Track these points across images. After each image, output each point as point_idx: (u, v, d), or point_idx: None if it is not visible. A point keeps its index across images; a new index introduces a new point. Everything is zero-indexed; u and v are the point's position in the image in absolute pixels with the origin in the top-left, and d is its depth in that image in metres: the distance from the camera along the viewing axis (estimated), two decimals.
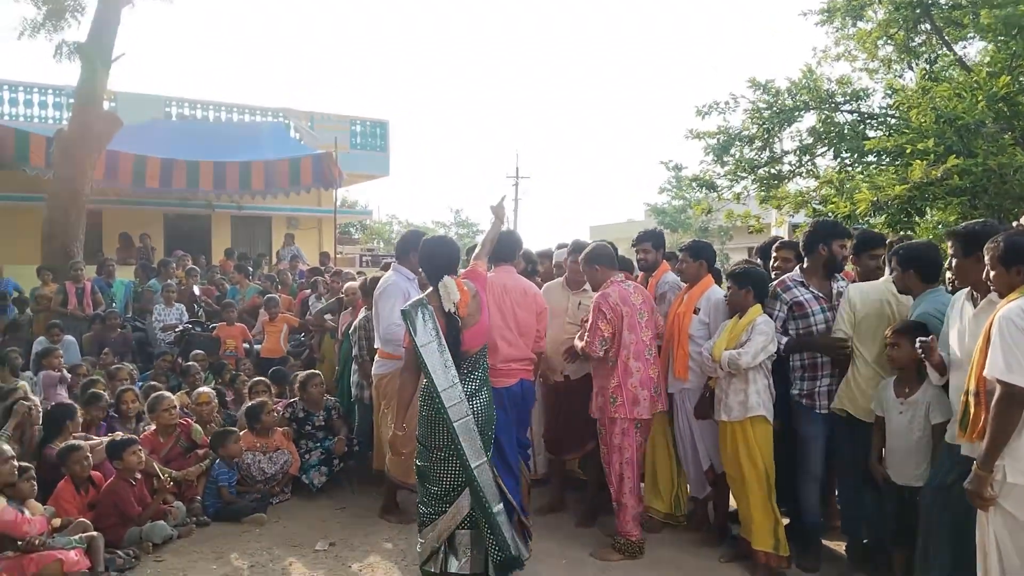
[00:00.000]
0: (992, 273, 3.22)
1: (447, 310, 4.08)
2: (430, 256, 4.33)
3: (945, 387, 3.72)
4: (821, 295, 4.62)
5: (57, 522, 4.74)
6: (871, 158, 10.18)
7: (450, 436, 3.95)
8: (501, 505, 3.99)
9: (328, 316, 8.20)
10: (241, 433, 6.14)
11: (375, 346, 5.65)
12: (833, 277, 4.69)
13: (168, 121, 17.21)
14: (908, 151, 8.38)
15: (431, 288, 4.24)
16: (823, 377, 4.57)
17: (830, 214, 9.06)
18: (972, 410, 3.19)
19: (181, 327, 9.39)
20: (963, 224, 3.67)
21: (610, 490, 4.91)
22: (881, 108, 11.10)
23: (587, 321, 4.93)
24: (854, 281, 4.74)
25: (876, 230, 7.99)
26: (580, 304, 5.40)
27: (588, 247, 5.10)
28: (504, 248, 4.96)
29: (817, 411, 4.57)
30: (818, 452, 4.63)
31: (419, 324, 4.05)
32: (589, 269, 5.00)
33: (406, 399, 4.33)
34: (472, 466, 3.93)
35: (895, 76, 11.26)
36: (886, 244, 5.02)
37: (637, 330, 4.81)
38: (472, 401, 4.05)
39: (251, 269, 12.69)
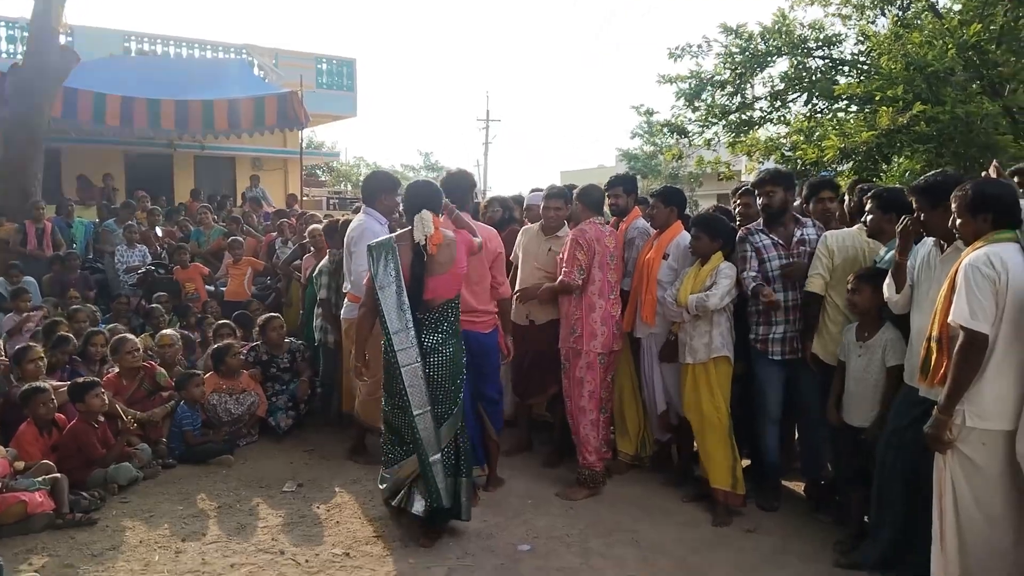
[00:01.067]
0: (959, 221, 3.25)
1: (417, 241, 4.03)
2: (413, 193, 4.26)
3: (905, 332, 3.78)
4: (780, 242, 4.65)
5: (20, 464, 4.70)
6: (841, 104, 10.20)
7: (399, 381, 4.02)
8: (439, 456, 4.07)
9: (296, 263, 8.10)
10: (207, 376, 6.10)
11: (344, 289, 5.60)
12: (798, 223, 4.71)
13: (127, 57, 16.70)
14: (877, 97, 8.41)
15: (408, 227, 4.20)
16: (776, 324, 4.63)
17: (799, 160, 9.11)
18: (934, 356, 3.25)
19: (144, 269, 9.24)
20: (923, 178, 3.68)
21: (570, 425, 5.00)
22: (853, 54, 11.10)
23: (562, 259, 4.98)
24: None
25: (842, 177, 8.06)
26: (550, 250, 5.35)
27: (587, 187, 5.22)
28: (455, 192, 4.80)
29: (770, 356, 4.65)
30: (774, 395, 4.72)
31: (380, 266, 4.06)
32: (576, 204, 5.14)
33: (363, 334, 4.39)
34: (413, 413, 4.01)
35: (868, 22, 11.22)
36: (836, 188, 5.12)
37: (606, 270, 4.96)
38: (434, 355, 4.09)
39: (216, 210, 12.47)
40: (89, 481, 4.92)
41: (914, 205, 3.63)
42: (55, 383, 5.42)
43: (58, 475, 4.62)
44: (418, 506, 4.14)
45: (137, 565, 3.99)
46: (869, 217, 4.22)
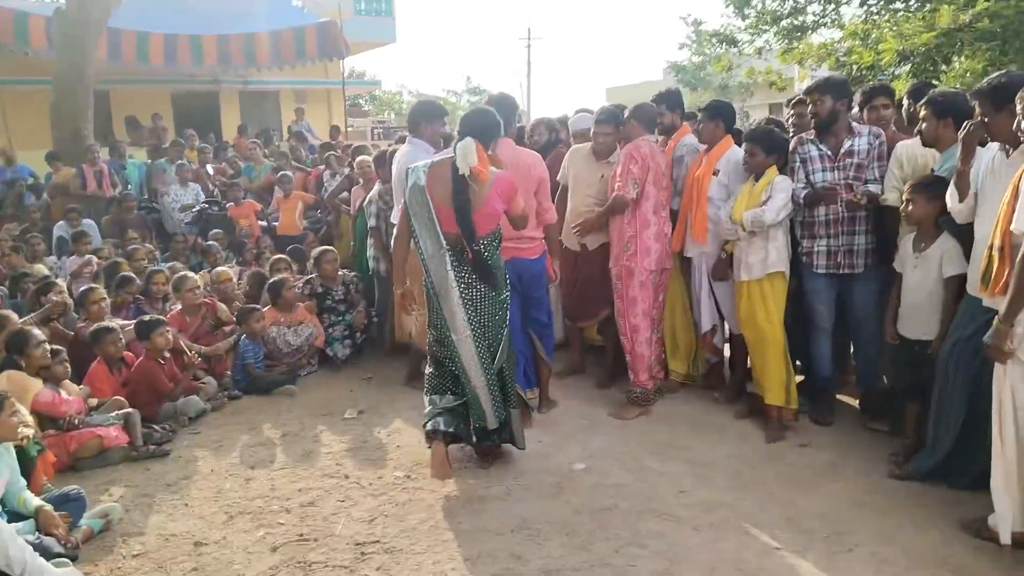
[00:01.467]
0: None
1: (461, 172, 3.83)
2: (465, 121, 4.14)
3: (967, 241, 3.68)
4: (828, 153, 4.52)
5: (93, 402, 4.92)
6: (898, 4, 9.73)
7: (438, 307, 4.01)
8: (484, 380, 4.04)
9: (343, 195, 8.15)
10: (265, 310, 6.25)
11: (392, 220, 5.63)
12: (851, 132, 4.54)
13: None
14: None
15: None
16: (820, 238, 4.55)
17: (854, 66, 8.77)
18: (996, 265, 3.16)
19: (198, 207, 9.41)
20: (987, 80, 3.50)
21: (623, 343, 5.02)
22: None
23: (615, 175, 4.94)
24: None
25: (900, 81, 7.74)
26: (602, 177, 5.25)
27: (640, 105, 5.15)
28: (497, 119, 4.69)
29: (815, 269, 4.59)
30: (823, 308, 4.66)
31: (414, 190, 3.98)
32: (628, 123, 5.06)
33: (398, 259, 4.37)
34: (452, 339, 3.99)
35: None
36: (891, 94, 4.90)
37: (659, 187, 4.93)
38: (474, 286, 3.99)
39: (263, 144, 12.55)
40: (160, 415, 5.14)
41: (977, 109, 3.49)
42: (121, 322, 5.62)
43: (130, 410, 4.83)
44: (443, 425, 4.09)
45: (210, 493, 4.19)
46: (923, 125, 4.05)
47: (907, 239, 4.07)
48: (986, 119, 3.43)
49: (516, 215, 4.12)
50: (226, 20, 14.56)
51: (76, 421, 4.53)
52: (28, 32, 12.31)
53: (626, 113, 5.18)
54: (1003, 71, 3.53)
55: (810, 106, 4.62)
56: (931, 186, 3.87)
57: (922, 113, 4.07)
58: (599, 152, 5.28)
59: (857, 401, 4.99)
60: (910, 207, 3.94)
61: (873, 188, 4.40)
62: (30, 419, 4.07)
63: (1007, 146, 3.38)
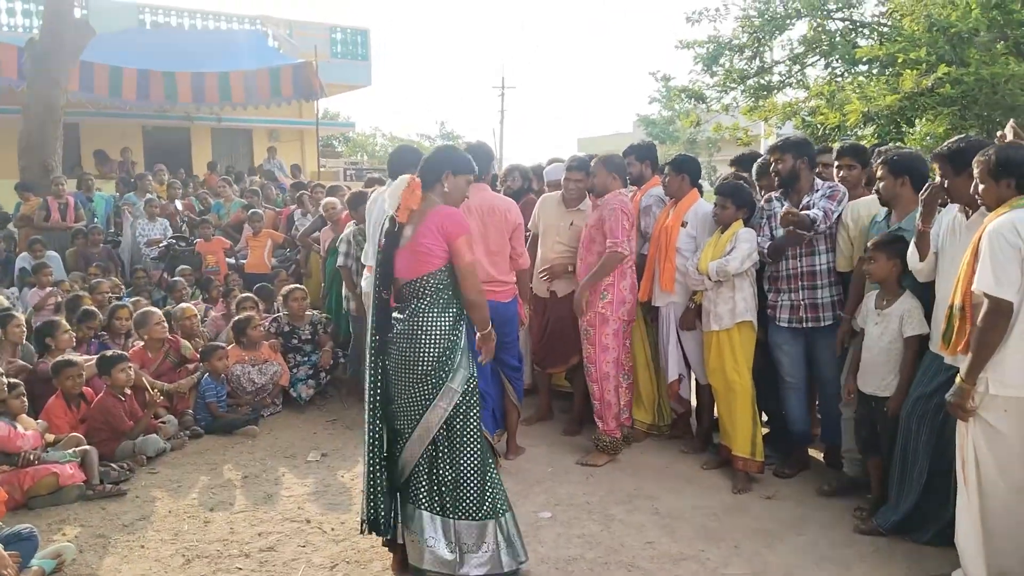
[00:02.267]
0: (981, 187, 3.20)
1: (388, 213, 3.51)
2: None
3: (927, 300, 3.76)
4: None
5: (51, 437, 4.80)
6: (862, 68, 10.06)
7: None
8: (367, 464, 3.52)
9: (315, 234, 8.14)
10: (229, 348, 6.17)
11: (364, 261, 5.63)
12: (811, 189, 4.62)
13: (143, 30, 16.70)
14: (900, 60, 8.28)
15: None
16: (783, 292, 4.62)
17: (819, 125, 9.00)
18: (956, 323, 3.22)
19: (165, 242, 9.32)
20: (946, 144, 3.61)
21: (592, 391, 5.03)
22: (874, 16, 10.93)
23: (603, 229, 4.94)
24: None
25: (864, 142, 7.95)
26: (572, 224, 5.34)
27: (607, 154, 5.13)
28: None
29: (778, 323, 4.65)
30: (787, 361, 4.70)
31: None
32: (605, 174, 4.97)
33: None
34: (365, 407, 3.53)
35: None
36: (859, 153, 4.97)
37: (634, 241, 4.99)
38: (392, 345, 3.44)
39: (233, 182, 12.52)
40: (117, 453, 5.02)
41: (937, 172, 3.59)
42: (82, 357, 5.51)
43: (88, 447, 4.72)
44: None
45: (167, 535, 4.08)
46: (881, 184, 4.15)
47: (869, 295, 4.15)
48: (946, 182, 3.53)
49: (460, 264, 3.39)
50: (201, 58, 14.60)
51: (32, 457, 4.41)
52: None
53: (592, 163, 5.18)
54: (962, 136, 3.65)
55: (772, 164, 4.73)
56: (892, 244, 3.95)
57: (879, 172, 4.18)
58: (569, 200, 5.36)
59: (822, 455, 5.03)
60: (871, 265, 4.01)
61: (812, 213, 4.40)
62: None
63: (967, 208, 3.48)
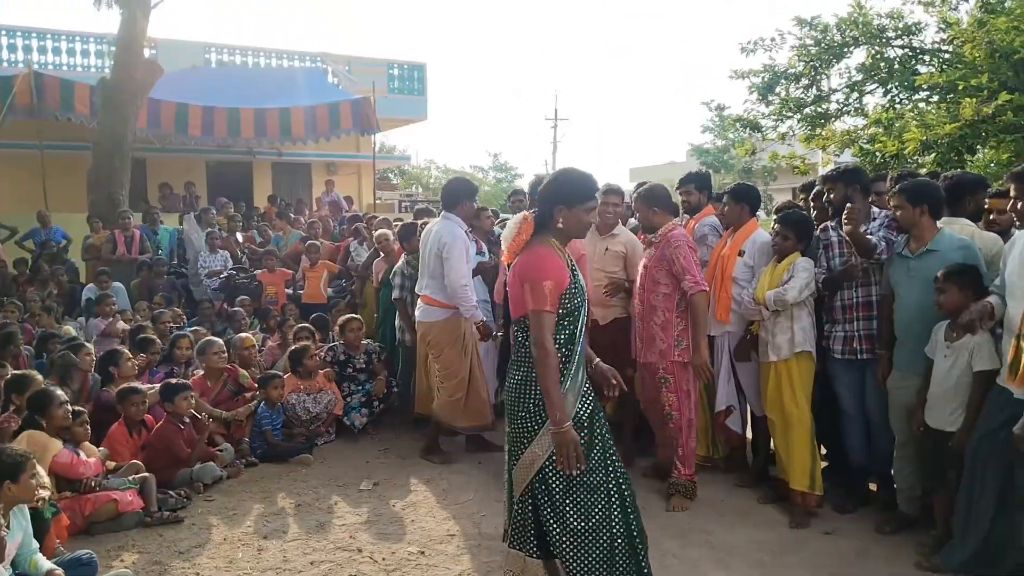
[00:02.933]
0: None
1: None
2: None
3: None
4: (846, 239, 4.52)
5: (111, 464, 4.92)
6: (921, 95, 9.87)
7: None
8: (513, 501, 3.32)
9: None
10: (285, 377, 6.26)
11: (418, 291, 5.68)
12: (868, 218, 4.54)
13: (208, 68, 17.28)
14: (960, 87, 8.11)
15: None
16: (838, 323, 4.56)
17: (878, 153, 8.85)
18: (1023, 354, 3.12)
19: (226, 273, 9.54)
20: (1022, 165, 3.55)
21: (676, 439, 4.83)
22: (934, 43, 10.72)
23: (622, 268, 4.96)
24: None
25: (924, 170, 7.78)
26: (607, 250, 5.31)
27: (646, 186, 4.96)
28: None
29: (833, 355, 4.57)
30: (846, 392, 4.61)
31: None
32: (645, 209, 4.84)
33: None
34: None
35: (949, 9, 10.82)
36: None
37: None
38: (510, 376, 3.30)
39: (292, 215, 12.79)
40: (175, 480, 5.11)
41: (1012, 192, 3.51)
42: (145, 385, 5.65)
43: (147, 474, 4.82)
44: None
45: (222, 562, 4.13)
46: (898, 212, 4.12)
47: (940, 326, 4.01)
48: (1019, 203, 3.44)
49: (526, 310, 3.12)
50: (263, 94, 15.02)
51: (93, 484, 4.52)
52: (73, 99, 12.74)
53: (639, 196, 4.97)
54: None
55: (825, 194, 4.66)
56: (964, 275, 3.83)
57: (894, 201, 4.13)
58: (603, 226, 5.33)
59: (875, 487, 4.87)
60: (941, 297, 3.90)
61: (873, 240, 4.32)
62: (47, 480, 4.07)
63: None
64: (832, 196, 4.59)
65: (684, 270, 4.64)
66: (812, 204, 5.31)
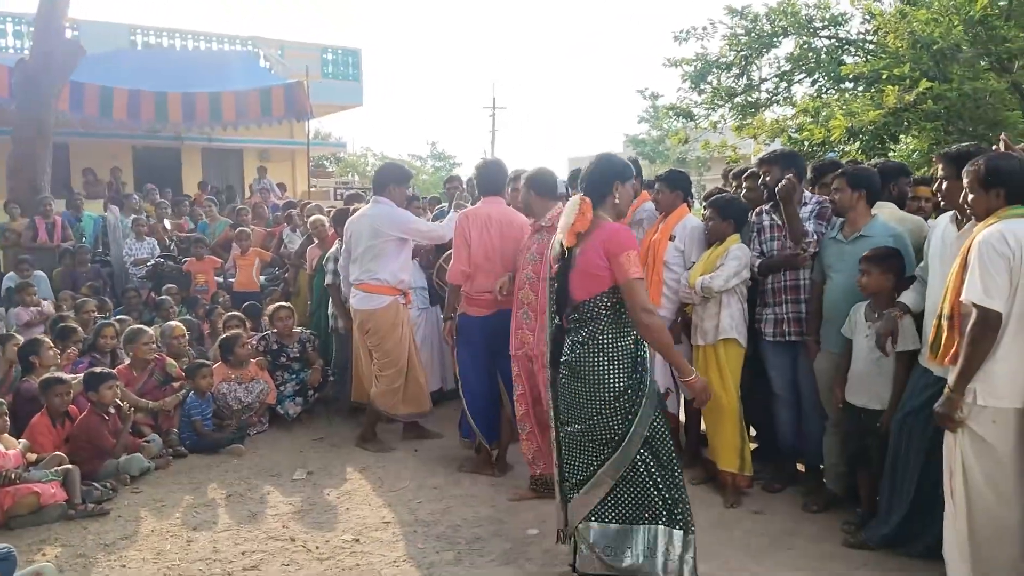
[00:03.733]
0: (971, 196, 3.18)
1: (558, 238, 3.43)
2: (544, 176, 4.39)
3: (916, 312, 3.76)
4: (779, 223, 4.62)
5: (33, 456, 4.74)
6: (848, 84, 10.13)
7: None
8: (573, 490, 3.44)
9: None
10: (215, 366, 6.13)
11: (352, 280, 5.61)
12: (801, 202, 4.65)
13: (133, 50, 16.72)
14: (884, 76, 8.35)
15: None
16: (768, 306, 4.65)
17: (805, 142, 9.05)
18: (945, 334, 3.21)
19: (153, 261, 9.28)
20: (955, 146, 3.64)
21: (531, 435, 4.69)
22: (859, 33, 10.99)
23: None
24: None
25: (849, 157, 8.00)
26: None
27: (532, 169, 4.68)
28: (493, 179, 5.01)
29: (764, 337, 4.67)
30: (776, 374, 4.70)
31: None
32: (527, 193, 4.56)
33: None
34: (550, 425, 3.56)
35: (874, 0, 11.11)
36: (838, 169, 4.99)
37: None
38: (564, 366, 3.40)
39: (224, 202, 12.51)
40: (101, 472, 4.96)
41: (940, 172, 3.60)
42: (68, 375, 5.46)
43: (70, 466, 4.66)
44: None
45: (149, 554, 4.03)
46: (837, 195, 4.24)
47: (859, 306, 4.12)
48: (945, 181, 3.53)
49: (622, 281, 3.21)
50: (192, 78, 14.61)
51: (13, 476, 4.35)
52: None
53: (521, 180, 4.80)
54: (973, 142, 3.65)
55: (760, 177, 4.74)
56: (886, 259, 3.94)
57: (836, 183, 4.25)
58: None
59: (804, 468, 5.00)
60: (864, 278, 4.00)
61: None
62: None
63: (959, 217, 3.48)
64: (767, 179, 4.66)
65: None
66: (746, 186, 5.39)
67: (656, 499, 3.28)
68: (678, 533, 3.30)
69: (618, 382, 3.25)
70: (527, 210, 4.67)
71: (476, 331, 4.92)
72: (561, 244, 3.38)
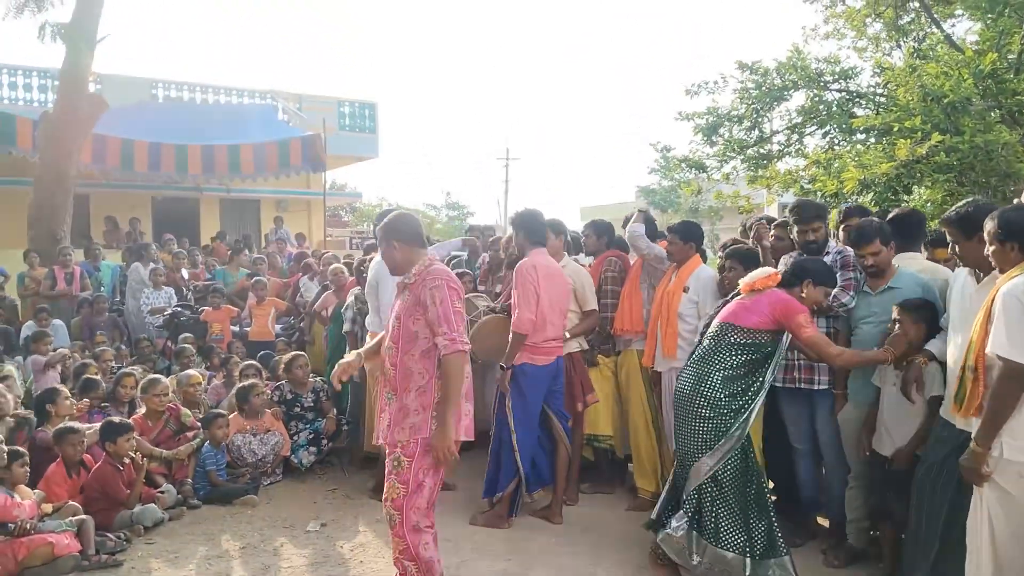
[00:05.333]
0: (991, 249, 3.18)
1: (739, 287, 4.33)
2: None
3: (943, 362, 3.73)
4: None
5: (48, 507, 4.75)
6: (859, 136, 10.20)
7: None
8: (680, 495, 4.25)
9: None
10: (231, 416, 6.14)
11: (368, 327, 5.63)
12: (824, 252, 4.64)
13: (155, 103, 17.06)
14: (895, 129, 8.40)
15: None
16: None
17: (818, 192, 9.09)
18: (969, 386, 3.18)
19: (170, 311, 9.35)
20: (954, 209, 3.61)
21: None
22: (869, 86, 11.09)
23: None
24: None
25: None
26: None
27: (389, 216, 3.90)
28: (539, 228, 5.15)
29: (774, 383, 4.58)
30: (792, 426, 4.67)
31: None
32: (386, 245, 3.73)
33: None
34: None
35: (884, 55, 11.25)
36: (865, 214, 4.99)
37: None
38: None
39: (244, 251, 12.61)
40: (115, 522, 4.96)
41: (948, 237, 3.60)
42: (84, 425, 5.48)
43: (85, 516, 4.66)
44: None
45: None
46: (873, 259, 4.20)
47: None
48: (956, 246, 3.54)
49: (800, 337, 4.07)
50: (212, 131, 14.88)
51: (28, 526, 4.36)
52: (15, 133, 12.49)
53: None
54: (969, 200, 3.65)
55: (805, 234, 4.64)
56: (918, 309, 3.93)
57: (871, 248, 4.19)
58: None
59: (828, 523, 4.92)
60: (896, 328, 3.98)
61: (841, 296, 4.40)
62: None
63: (977, 271, 3.48)
64: (815, 236, 4.60)
65: (440, 319, 3.45)
66: (775, 235, 5.30)
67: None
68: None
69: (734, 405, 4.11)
70: (391, 264, 3.78)
71: (545, 379, 5.02)
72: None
